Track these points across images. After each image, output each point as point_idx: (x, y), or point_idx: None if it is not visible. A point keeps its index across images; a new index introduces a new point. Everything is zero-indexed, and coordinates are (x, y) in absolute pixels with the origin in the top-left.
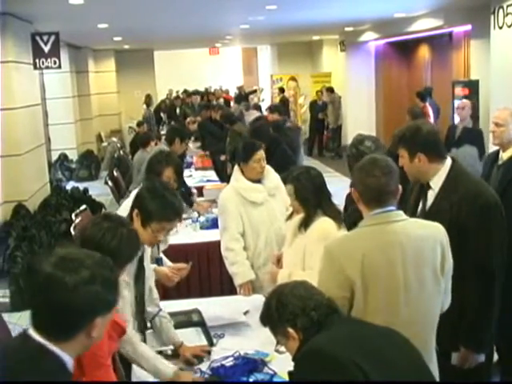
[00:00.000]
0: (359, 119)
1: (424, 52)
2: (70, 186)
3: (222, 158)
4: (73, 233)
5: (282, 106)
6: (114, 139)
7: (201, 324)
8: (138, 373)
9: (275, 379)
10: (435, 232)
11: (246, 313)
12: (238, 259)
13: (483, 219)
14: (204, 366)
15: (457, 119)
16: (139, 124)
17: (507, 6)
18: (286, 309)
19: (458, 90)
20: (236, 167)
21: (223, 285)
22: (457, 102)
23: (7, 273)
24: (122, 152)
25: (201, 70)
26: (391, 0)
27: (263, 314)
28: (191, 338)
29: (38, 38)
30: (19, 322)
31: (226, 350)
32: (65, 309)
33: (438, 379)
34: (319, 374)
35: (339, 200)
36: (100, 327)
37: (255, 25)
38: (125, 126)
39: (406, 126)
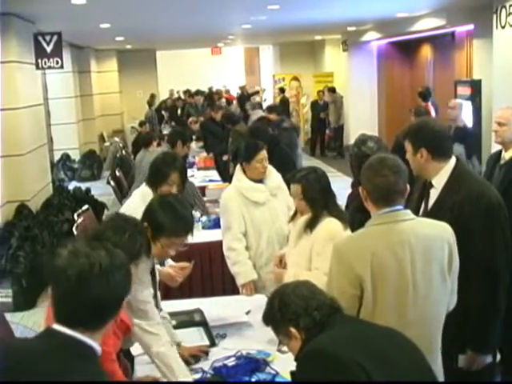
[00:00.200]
0: (361, 119)
1: (426, 52)
2: (72, 185)
3: (225, 157)
4: (75, 232)
5: (281, 106)
6: (117, 139)
7: (203, 324)
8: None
9: (277, 379)
10: (443, 231)
11: (248, 313)
12: (240, 259)
13: (487, 220)
14: (206, 366)
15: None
16: (141, 124)
17: (509, 6)
18: (289, 308)
19: (461, 90)
20: (238, 167)
21: (225, 285)
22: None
23: (10, 273)
24: (124, 152)
25: (203, 69)
26: (393, 0)
27: (265, 314)
28: (193, 337)
29: (40, 38)
30: (22, 321)
31: (228, 349)
32: (102, 300)
33: (442, 379)
34: (321, 374)
35: (341, 199)
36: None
37: (257, 25)
38: (127, 125)
39: (418, 120)
